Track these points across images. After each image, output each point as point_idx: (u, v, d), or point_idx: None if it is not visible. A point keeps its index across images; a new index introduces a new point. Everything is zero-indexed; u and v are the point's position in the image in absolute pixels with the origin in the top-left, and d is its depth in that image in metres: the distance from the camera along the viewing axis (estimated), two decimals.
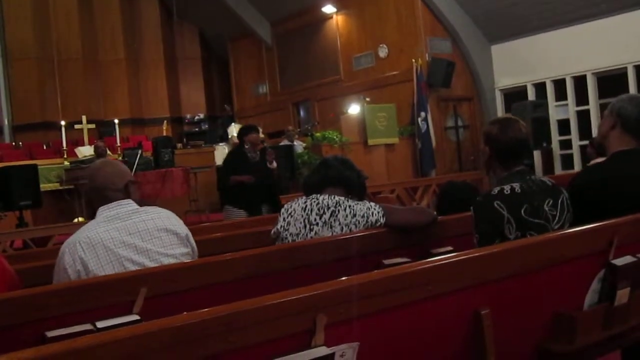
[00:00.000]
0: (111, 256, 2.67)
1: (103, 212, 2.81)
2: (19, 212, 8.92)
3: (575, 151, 12.40)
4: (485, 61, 13.67)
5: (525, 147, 2.99)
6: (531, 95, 13.01)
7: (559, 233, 2.68)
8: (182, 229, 2.94)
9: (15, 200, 8.74)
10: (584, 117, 12.28)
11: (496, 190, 2.87)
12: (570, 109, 12.51)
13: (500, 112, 13.63)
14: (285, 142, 11.93)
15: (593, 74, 12.10)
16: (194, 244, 2.99)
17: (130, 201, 2.86)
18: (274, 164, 7.55)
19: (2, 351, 1.37)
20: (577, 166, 12.06)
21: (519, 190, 2.83)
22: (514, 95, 13.31)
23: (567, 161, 12.61)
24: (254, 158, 7.37)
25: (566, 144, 12.65)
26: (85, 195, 2.90)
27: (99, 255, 2.66)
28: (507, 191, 2.83)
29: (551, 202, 2.87)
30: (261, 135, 7.80)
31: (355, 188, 3.44)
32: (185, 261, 2.86)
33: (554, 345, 2.36)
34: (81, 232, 2.74)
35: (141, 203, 2.94)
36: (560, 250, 2.45)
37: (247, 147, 7.37)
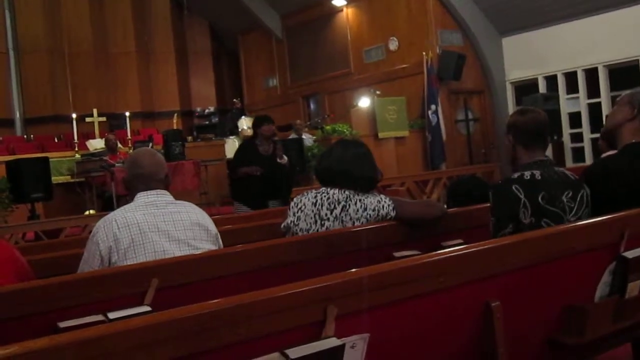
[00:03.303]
0: (144, 239, 2.75)
1: (141, 197, 2.90)
2: (30, 205, 8.97)
3: (587, 144, 12.33)
4: (496, 54, 13.61)
5: (545, 128, 3.02)
6: (542, 87, 12.94)
7: (570, 225, 2.67)
8: (213, 227, 3.02)
9: (27, 193, 8.79)
10: (595, 110, 12.21)
11: (516, 175, 2.89)
12: (581, 102, 12.44)
13: (511, 104, 13.57)
14: (293, 136, 11.92)
15: (605, 66, 12.03)
16: (222, 244, 3.05)
17: (167, 192, 2.98)
18: (285, 159, 7.08)
19: (14, 341, 1.38)
20: (589, 159, 11.99)
21: (539, 178, 2.85)
22: (525, 88, 13.26)
23: (578, 154, 12.55)
24: (266, 152, 6.98)
25: (577, 137, 12.59)
26: (129, 181, 2.92)
27: (132, 235, 2.74)
28: (527, 177, 2.85)
29: (570, 194, 2.86)
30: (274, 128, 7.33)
31: (366, 182, 3.38)
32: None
33: (565, 337, 2.36)
34: (118, 211, 2.84)
35: None
36: (571, 242, 2.44)
37: (259, 139, 7.01)
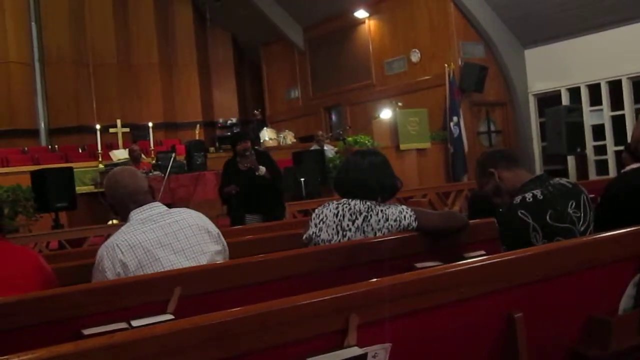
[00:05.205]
0: (150, 257, 2.72)
1: (135, 215, 2.87)
2: (54, 214, 9.06)
3: (610, 157, 12.23)
4: (519, 66, 13.56)
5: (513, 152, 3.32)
6: (565, 100, 12.87)
7: (594, 237, 2.64)
8: (213, 227, 3.01)
9: (51, 202, 8.87)
10: (619, 123, 12.12)
11: (518, 199, 2.82)
12: (605, 114, 12.36)
13: (533, 117, 13.52)
14: (315, 147, 11.95)
15: (628, 78, 11.95)
16: (225, 242, 3.04)
17: (159, 203, 2.95)
18: (262, 170, 7.09)
19: (39, 347, 1.40)
20: (612, 172, 11.90)
21: (541, 197, 2.79)
22: (548, 100, 13.19)
23: (602, 167, 12.45)
24: (245, 167, 7.11)
25: (601, 150, 12.49)
26: (117, 203, 2.87)
27: (138, 256, 2.71)
28: (529, 199, 2.79)
29: (574, 204, 2.83)
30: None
31: (386, 190, 3.39)
32: (219, 259, 2.91)
33: (588, 349, 2.34)
34: (117, 235, 2.80)
35: (175, 206, 3.00)
36: (595, 254, 2.42)
37: (238, 156, 7.19)
